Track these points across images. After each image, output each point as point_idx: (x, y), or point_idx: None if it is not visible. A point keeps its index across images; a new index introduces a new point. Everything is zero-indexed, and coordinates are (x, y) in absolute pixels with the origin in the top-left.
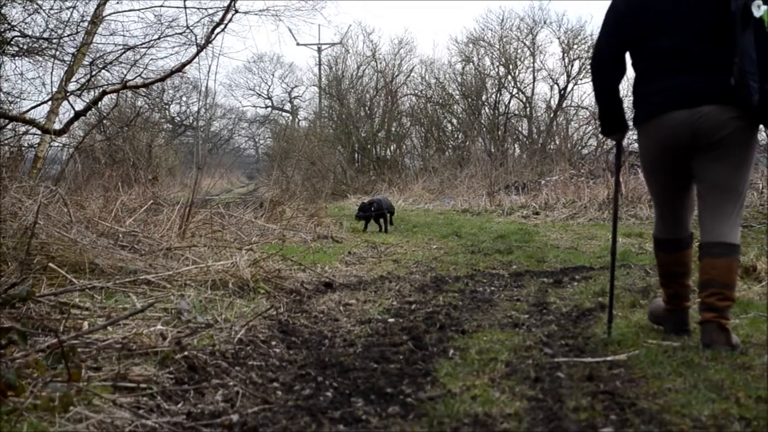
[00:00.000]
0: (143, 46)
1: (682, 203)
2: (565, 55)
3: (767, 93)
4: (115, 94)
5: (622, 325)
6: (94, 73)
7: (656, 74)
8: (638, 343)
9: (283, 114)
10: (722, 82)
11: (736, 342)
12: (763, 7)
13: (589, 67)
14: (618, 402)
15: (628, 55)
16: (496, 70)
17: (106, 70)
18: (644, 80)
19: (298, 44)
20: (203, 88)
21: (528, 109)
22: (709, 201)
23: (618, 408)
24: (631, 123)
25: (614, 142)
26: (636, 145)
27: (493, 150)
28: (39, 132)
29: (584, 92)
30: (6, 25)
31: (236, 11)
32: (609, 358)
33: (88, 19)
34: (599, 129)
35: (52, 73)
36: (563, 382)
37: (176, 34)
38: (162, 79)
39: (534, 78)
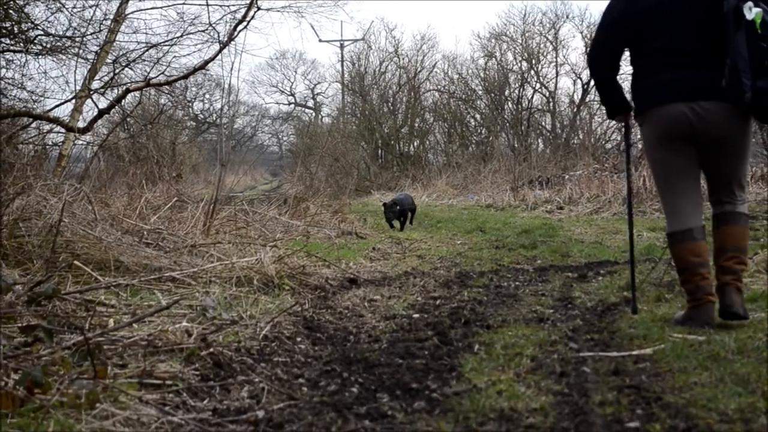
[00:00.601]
0: (166, 43)
1: (690, 189)
2: (588, 49)
3: (759, 90)
4: (138, 92)
5: (647, 320)
6: (117, 71)
7: (655, 69)
8: (664, 337)
9: (306, 110)
10: (717, 79)
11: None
12: (755, 10)
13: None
14: (644, 396)
15: (627, 52)
16: (519, 65)
17: (130, 68)
18: (643, 74)
19: (320, 41)
20: (226, 86)
21: (551, 104)
22: (716, 185)
23: (644, 402)
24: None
25: (623, 126)
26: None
27: (516, 145)
28: (63, 130)
29: None
30: (29, 23)
31: (258, 8)
32: (635, 353)
33: (111, 17)
34: (605, 114)
35: (75, 72)
36: (589, 376)
37: (199, 31)
38: (185, 77)
39: (557, 73)
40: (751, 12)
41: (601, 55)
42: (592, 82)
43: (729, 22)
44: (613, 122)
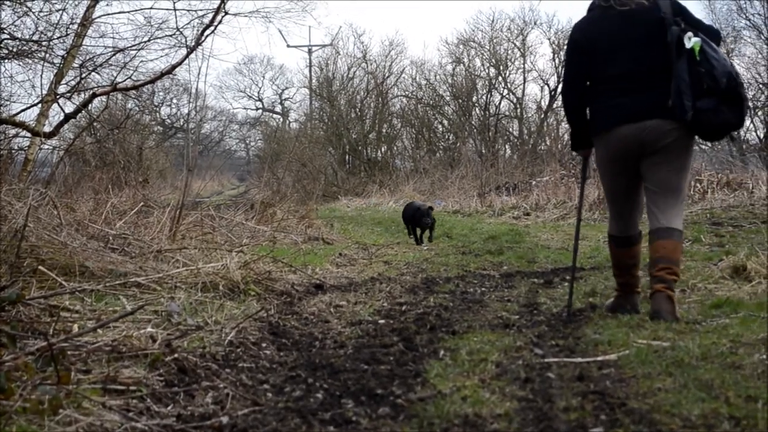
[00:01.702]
0: (133, 48)
1: (634, 201)
2: (556, 55)
3: (698, 110)
4: (105, 96)
5: (612, 325)
6: (84, 75)
7: (610, 94)
8: (628, 343)
9: (274, 116)
10: (663, 101)
11: (678, 314)
12: (694, 39)
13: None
14: (608, 402)
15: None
16: (487, 71)
17: (96, 73)
18: (600, 99)
19: (288, 46)
20: (194, 90)
21: (518, 110)
22: (656, 197)
23: (608, 408)
24: None
25: (581, 157)
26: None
27: (483, 151)
28: (29, 135)
29: None
30: None
31: (226, 13)
32: (599, 358)
33: (78, 21)
34: (570, 145)
35: (42, 76)
36: (553, 382)
37: (166, 36)
38: (152, 81)
39: (524, 79)
40: (690, 41)
41: (570, 88)
42: (565, 117)
43: (672, 50)
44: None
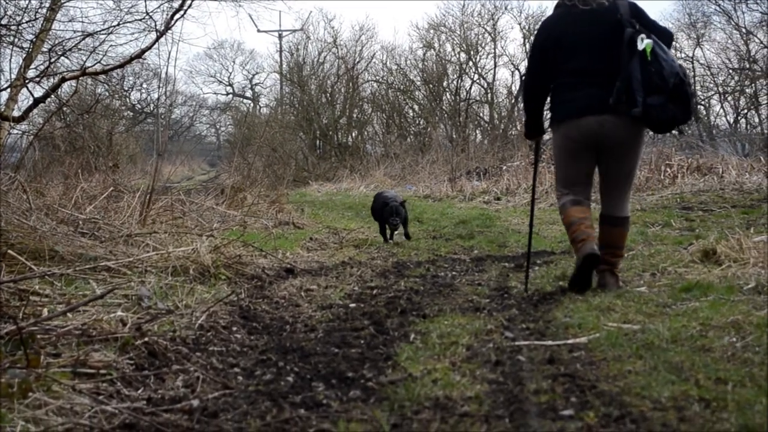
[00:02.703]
0: (102, 32)
1: (585, 184)
2: (526, 40)
3: (648, 106)
4: (74, 80)
5: (582, 309)
6: (53, 59)
7: (570, 87)
8: (599, 326)
9: (245, 101)
10: (617, 97)
11: (621, 284)
12: (646, 41)
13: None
14: (578, 384)
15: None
16: (458, 56)
17: (66, 57)
18: (561, 91)
19: (258, 31)
20: (163, 75)
21: (489, 95)
22: (609, 185)
23: (578, 390)
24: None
25: (533, 143)
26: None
27: (454, 136)
28: None
29: None
30: None
31: None
32: (570, 342)
33: (47, 5)
34: (524, 133)
35: (10, 60)
36: (524, 365)
37: (136, 20)
38: (121, 66)
39: (495, 64)
40: (643, 43)
41: (534, 81)
42: (523, 108)
43: (625, 50)
44: (548, 113)
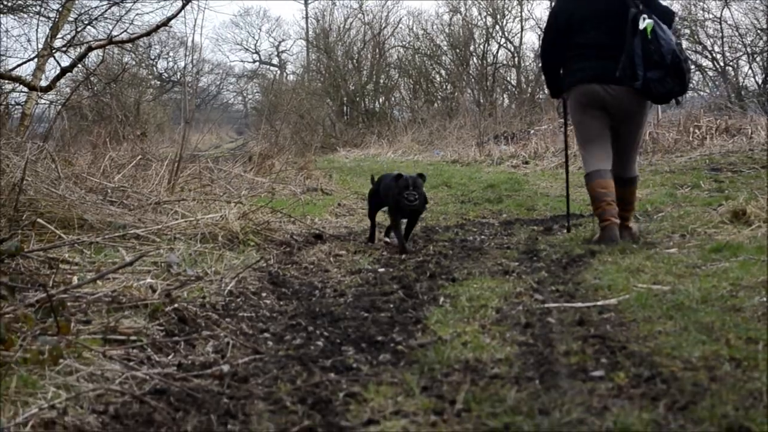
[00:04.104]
0: (128, 1)
1: (601, 144)
2: (553, 2)
3: (648, 79)
4: (101, 50)
5: (612, 270)
6: (79, 29)
7: (581, 58)
8: (628, 287)
9: (271, 68)
10: (623, 71)
11: (636, 234)
12: (647, 21)
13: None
14: (608, 346)
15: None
16: (484, 20)
17: (92, 26)
18: (573, 61)
19: None
20: (190, 43)
21: (516, 59)
22: (620, 149)
23: (608, 351)
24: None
25: (561, 101)
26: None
27: (481, 100)
28: (25, 89)
29: None
30: None
31: None
32: (599, 303)
33: None
34: (549, 94)
35: (37, 30)
36: (554, 327)
37: None
38: (148, 34)
39: (522, 27)
40: (644, 22)
41: (548, 48)
42: (542, 72)
43: (629, 29)
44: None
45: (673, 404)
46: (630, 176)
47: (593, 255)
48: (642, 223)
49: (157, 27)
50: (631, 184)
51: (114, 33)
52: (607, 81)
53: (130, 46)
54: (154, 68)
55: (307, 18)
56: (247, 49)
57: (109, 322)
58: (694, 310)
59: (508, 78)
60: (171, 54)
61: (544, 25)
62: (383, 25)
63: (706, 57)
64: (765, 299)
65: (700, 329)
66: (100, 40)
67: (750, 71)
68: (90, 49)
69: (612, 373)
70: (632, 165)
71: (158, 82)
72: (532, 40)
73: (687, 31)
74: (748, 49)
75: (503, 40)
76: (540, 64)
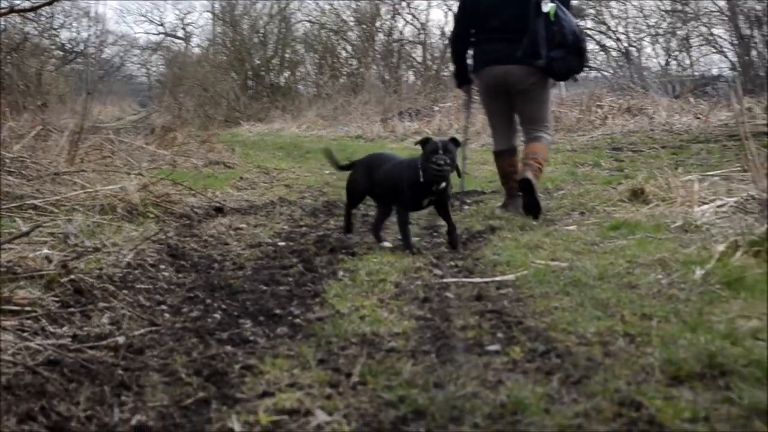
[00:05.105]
0: None
1: (507, 123)
2: None
3: (551, 59)
4: (2, 18)
5: (511, 246)
6: None
7: (486, 42)
8: (527, 263)
9: (176, 41)
10: (526, 51)
11: (535, 184)
12: (549, 5)
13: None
14: (505, 320)
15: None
16: None
17: None
18: (480, 45)
19: None
20: (93, 14)
21: (422, 36)
22: (525, 122)
23: (505, 326)
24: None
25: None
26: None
27: (387, 77)
28: None
29: None
30: None
31: None
32: (497, 279)
33: None
34: (454, 83)
35: None
36: (451, 301)
37: None
38: (50, 3)
39: (428, 4)
40: (547, 6)
41: (456, 35)
42: (451, 59)
43: (532, 12)
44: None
45: (566, 378)
46: (540, 135)
47: (493, 231)
48: (543, 201)
49: None
50: (540, 140)
51: (16, 1)
52: (511, 62)
53: (33, 15)
54: (57, 38)
55: None
56: (151, 21)
57: (3, 293)
58: (591, 287)
59: (414, 55)
60: (74, 24)
61: (455, 11)
62: None
63: (610, 37)
64: (660, 276)
65: (596, 305)
66: (2, 8)
67: (653, 52)
68: None
69: (508, 347)
70: (542, 127)
71: (61, 53)
72: (438, 16)
73: (592, 11)
74: (652, 31)
75: (410, 16)
76: (450, 52)
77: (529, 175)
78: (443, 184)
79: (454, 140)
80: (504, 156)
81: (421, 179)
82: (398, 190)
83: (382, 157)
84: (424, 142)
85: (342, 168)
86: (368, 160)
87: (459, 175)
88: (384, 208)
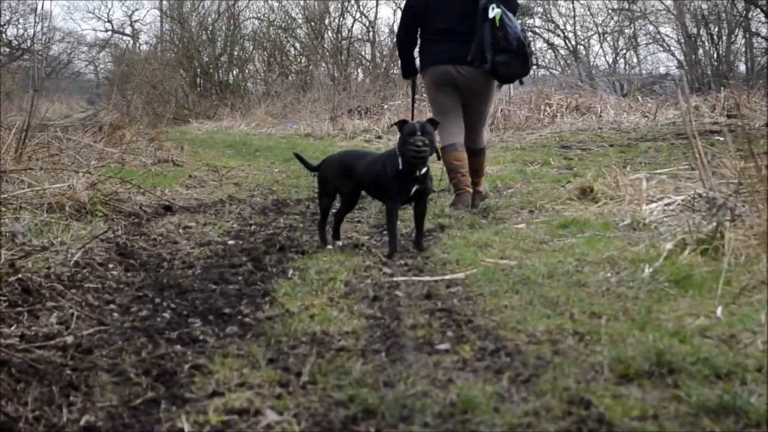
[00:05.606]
0: None
1: (454, 119)
2: None
3: (496, 62)
4: None
5: (460, 245)
6: None
7: (434, 42)
8: (476, 261)
9: (124, 38)
10: (473, 54)
11: (486, 193)
12: (495, 10)
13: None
14: (455, 319)
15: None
16: None
17: None
18: (427, 45)
19: None
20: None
21: (371, 34)
22: (469, 123)
23: (455, 325)
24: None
25: (410, 81)
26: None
27: (336, 74)
28: None
29: None
30: None
31: None
32: (447, 277)
33: None
34: (402, 75)
35: None
36: (401, 300)
37: None
38: None
39: (377, 2)
40: (493, 12)
41: (404, 34)
42: (398, 53)
43: (479, 17)
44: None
45: (516, 377)
46: (479, 147)
47: (442, 229)
48: (491, 199)
49: None
50: (480, 154)
51: None
52: (460, 62)
53: None
54: (3, 35)
55: None
56: (99, 18)
57: None
58: (540, 285)
59: (363, 53)
60: (21, 21)
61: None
62: None
63: (558, 36)
64: (609, 275)
65: (546, 303)
66: None
67: (601, 51)
68: None
69: (457, 346)
70: (480, 137)
71: (7, 50)
72: (387, 14)
73: (540, 9)
74: (600, 29)
75: (358, 14)
76: (396, 47)
77: (477, 198)
78: (424, 170)
79: (432, 121)
80: (452, 150)
81: (400, 166)
82: (382, 183)
83: (356, 154)
84: (401, 124)
85: (314, 169)
86: (340, 157)
87: (439, 157)
88: (347, 205)
